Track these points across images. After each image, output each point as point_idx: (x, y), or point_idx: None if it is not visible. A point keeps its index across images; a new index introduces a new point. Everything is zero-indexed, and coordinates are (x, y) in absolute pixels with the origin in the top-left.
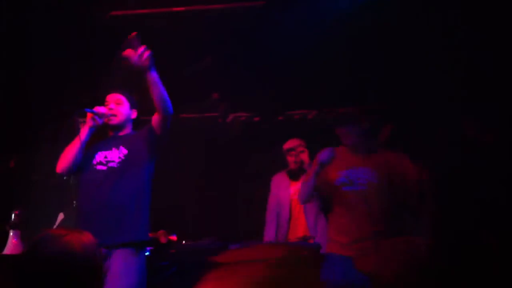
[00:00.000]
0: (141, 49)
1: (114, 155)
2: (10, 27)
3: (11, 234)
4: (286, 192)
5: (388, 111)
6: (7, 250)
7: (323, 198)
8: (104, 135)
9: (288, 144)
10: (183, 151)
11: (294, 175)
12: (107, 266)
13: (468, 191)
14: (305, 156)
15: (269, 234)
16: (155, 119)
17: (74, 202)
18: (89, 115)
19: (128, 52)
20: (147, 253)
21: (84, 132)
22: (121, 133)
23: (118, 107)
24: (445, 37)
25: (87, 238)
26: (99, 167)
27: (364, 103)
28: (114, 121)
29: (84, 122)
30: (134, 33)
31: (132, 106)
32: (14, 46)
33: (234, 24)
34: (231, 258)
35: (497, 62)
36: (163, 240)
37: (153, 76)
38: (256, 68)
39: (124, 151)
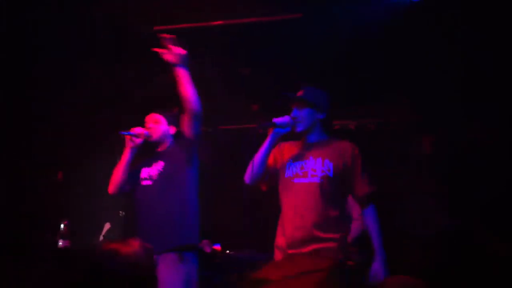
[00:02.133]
0: (174, 45)
1: (154, 170)
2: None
3: (60, 244)
4: None
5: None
6: None
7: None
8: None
9: None
10: (225, 163)
11: None
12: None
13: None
14: None
15: None
16: (184, 121)
17: (120, 212)
18: (126, 137)
19: (161, 48)
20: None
21: (125, 153)
22: (161, 148)
23: (155, 125)
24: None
25: (140, 248)
26: (145, 182)
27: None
28: (153, 138)
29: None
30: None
31: (170, 123)
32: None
33: (272, 36)
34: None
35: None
36: (207, 250)
37: (183, 73)
38: (294, 78)
39: (161, 163)
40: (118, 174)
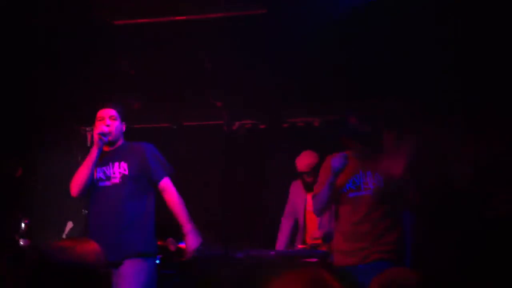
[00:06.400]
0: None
1: (114, 170)
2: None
3: (21, 243)
4: (301, 201)
5: (387, 110)
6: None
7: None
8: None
9: (301, 167)
10: (189, 159)
11: (308, 187)
12: (114, 278)
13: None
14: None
15: (281, 240)
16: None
17: (83, 210)
18: (96, 136)
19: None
20: (157, 261)
21: (94, 153)
22: (114, 147)
23: (113, 122)
24: (445, 37)
25: (93, 248)
26: (101, 183)
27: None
28: (111, 137)
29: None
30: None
31: (123, 120)
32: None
33: (237, 32)
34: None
35: (497, 62)
36: (172, 248)
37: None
38: (261, 75)
39: (124, 165)
40: (83, 175)
